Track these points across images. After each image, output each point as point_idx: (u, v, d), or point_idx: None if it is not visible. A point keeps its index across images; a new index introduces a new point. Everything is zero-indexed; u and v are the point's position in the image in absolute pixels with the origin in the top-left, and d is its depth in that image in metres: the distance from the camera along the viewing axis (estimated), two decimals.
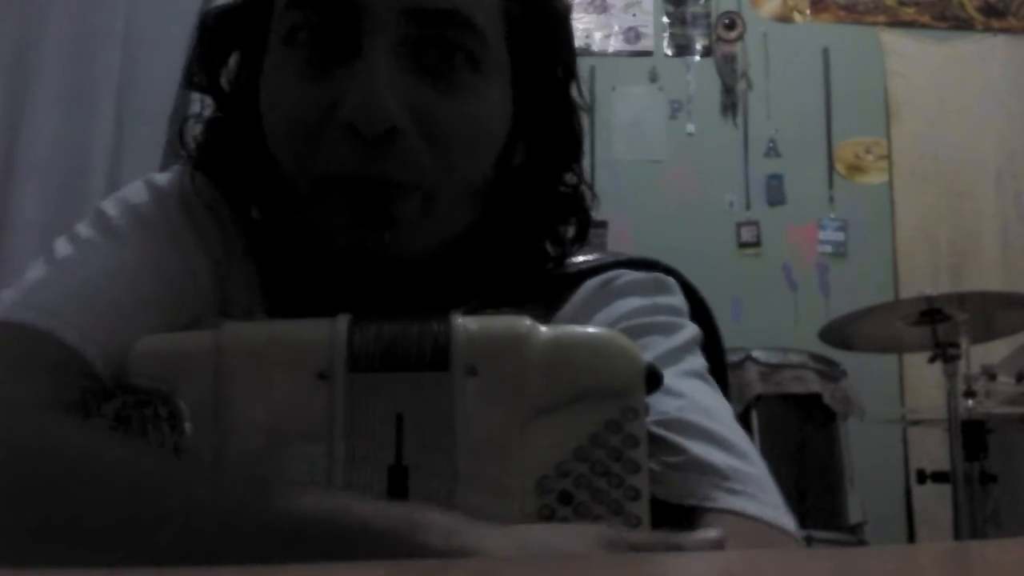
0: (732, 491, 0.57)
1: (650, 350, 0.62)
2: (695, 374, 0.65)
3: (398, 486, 0.50)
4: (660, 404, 0.59)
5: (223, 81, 0.68)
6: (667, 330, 0.66)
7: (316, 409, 0.51)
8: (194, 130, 0.69)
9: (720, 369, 0.72)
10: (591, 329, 0.55)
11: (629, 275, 0.70)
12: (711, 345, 0.71)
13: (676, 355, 0.65)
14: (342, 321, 0.53)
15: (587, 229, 0.71)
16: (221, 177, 0.67)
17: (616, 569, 0.37)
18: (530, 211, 0.68)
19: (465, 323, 0.52)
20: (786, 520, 0.59)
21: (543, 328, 0.53)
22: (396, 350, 0.51)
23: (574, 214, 0.70)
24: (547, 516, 0.50)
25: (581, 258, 0.72)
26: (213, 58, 0.68)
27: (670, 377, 0.61)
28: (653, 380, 0.53)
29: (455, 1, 0.60)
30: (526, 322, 0.53)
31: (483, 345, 0.52)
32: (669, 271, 0.72)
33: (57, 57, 2.31)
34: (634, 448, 0.52)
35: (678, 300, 0.70)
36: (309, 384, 0.51)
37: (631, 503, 0.51)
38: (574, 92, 0.70)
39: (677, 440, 0.58)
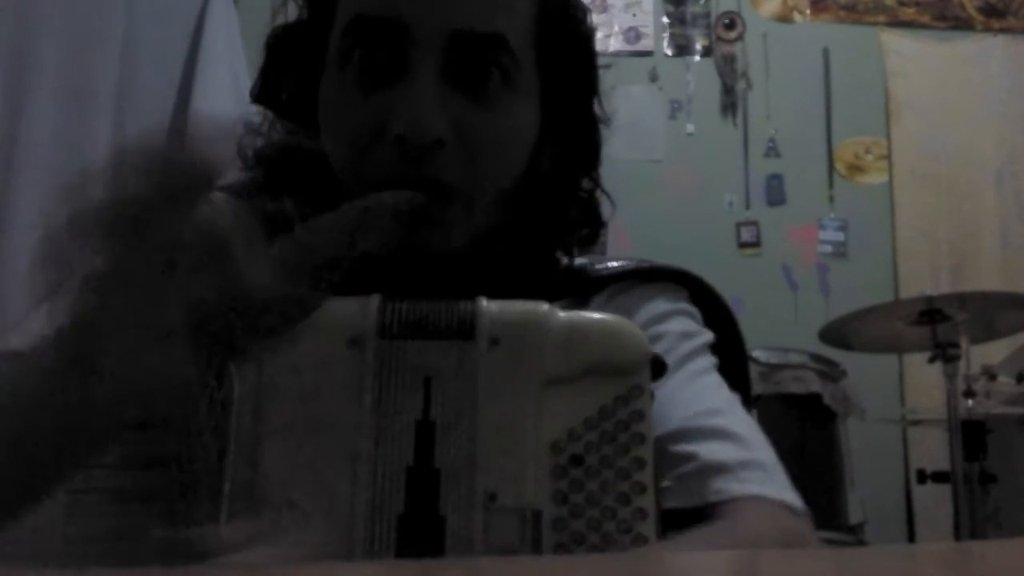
0: (741, 480, 0.65)
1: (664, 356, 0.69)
2: (703, 372, 0.73)
3: (425, 440, 0.55)
4: (667, 420, 0.67)
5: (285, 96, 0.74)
6: (679, 337, 0.74)
7: (348, 372, 0.56)
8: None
9: (742, 369, 0.80)
10: (602, 315, 0.62)
11: (643, 286, 0.77)
12: (733, 347, 0.80)
13: (685, 360, 0.72)
14: (374, 298, 0.58)
15: (599, 231, 0.78)
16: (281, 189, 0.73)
17: (616, 569, 0.37)
18: (552, 211, 0.75)
19: (489, 304, 0.58)
20: (791, 497, 0.67)
21: (560, 312, 0.59)
22: (425, 321, 0.58)
23: (589, 216, 0.77)
24: (560, 475, 0.56)
25: (613, 263, 0.79)
26: (276, 74, 0.75)
27: (680, 383, 0.69)
28: (658, 367, 0.59)
29: (496, 26, 0.67)
30: (544, 306, 0.59)
31: (506, 319, 0.58)
32: (691, 277, 0.79)
33: (56, 57, 2.31)
34: (640, 422, 0.57)
35: (687, 304, 0.78)
36: (340, 350, 0.56)
37: (637, 472, 0.56)
38: (596, 105, 0.77)
39: (689, 449, 0.66)
